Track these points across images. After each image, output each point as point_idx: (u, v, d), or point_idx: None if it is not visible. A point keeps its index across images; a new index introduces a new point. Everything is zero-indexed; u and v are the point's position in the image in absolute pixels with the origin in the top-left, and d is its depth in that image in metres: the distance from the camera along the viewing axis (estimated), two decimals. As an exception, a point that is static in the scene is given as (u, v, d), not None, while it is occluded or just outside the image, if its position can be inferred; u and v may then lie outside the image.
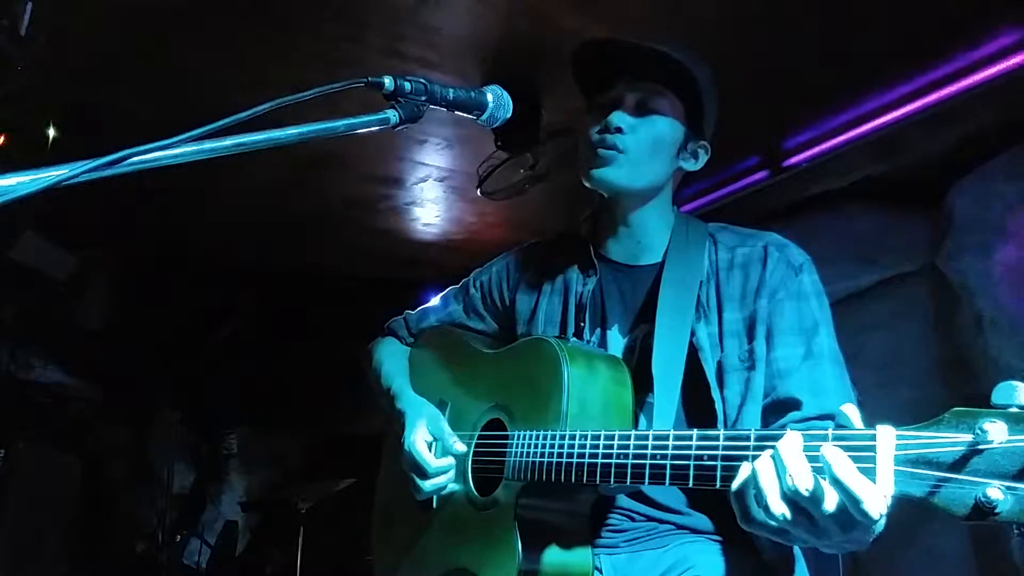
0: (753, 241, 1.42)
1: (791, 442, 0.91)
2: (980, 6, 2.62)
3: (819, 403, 1.22)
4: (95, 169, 0.80)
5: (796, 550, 1.31)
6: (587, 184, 1.46)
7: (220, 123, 0.88)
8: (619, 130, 1.40)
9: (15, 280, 4.78)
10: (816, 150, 3.45)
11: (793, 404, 1.24)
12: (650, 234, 1.49)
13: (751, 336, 1.32)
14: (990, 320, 3.00)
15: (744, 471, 0.95)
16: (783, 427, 1.21)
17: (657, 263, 1.46)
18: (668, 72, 1.40)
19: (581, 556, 1.31)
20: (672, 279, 1.40)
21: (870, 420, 0.93)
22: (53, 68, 3.03)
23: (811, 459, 0.89)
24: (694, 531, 1.35)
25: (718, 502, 1.34)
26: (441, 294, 1.80)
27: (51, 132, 3.13)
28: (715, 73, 1.47)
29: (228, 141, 0.89)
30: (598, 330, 1.47)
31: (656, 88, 1.42)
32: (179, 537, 6.27)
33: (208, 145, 0.88)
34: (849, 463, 0.86)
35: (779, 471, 0.90)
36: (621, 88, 1.43)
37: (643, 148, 1.41)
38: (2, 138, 3.16)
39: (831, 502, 0.87)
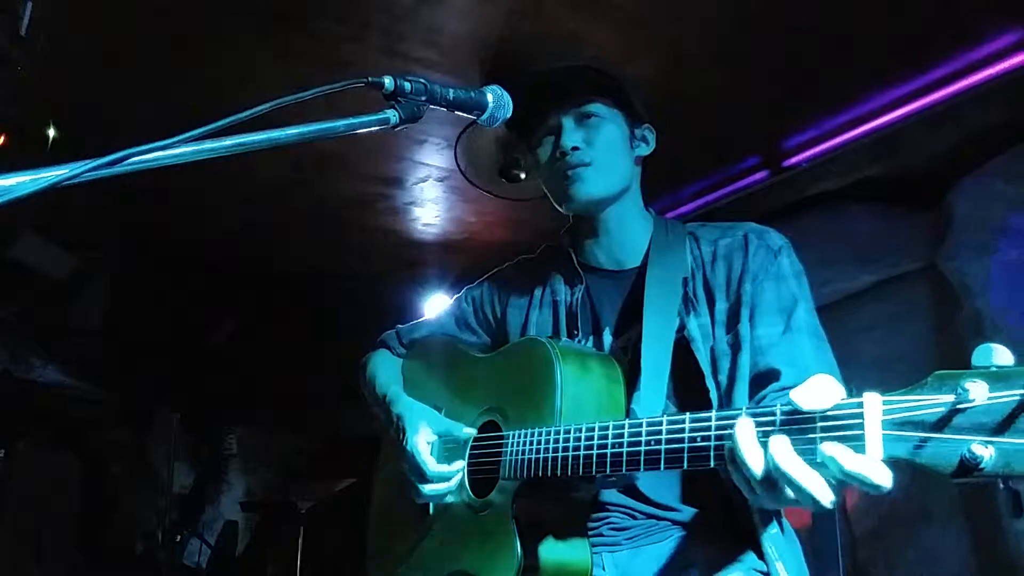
0: (733, 232, 1.46)
1: (745, 425, 0.95)
2: (980, 6, 2.63)
3: (797, 373, 1.24)
4: (95, 169, 0.80)
5: (799, 549, 1.32)
6: (569, 210, 1.53)
7: (220, 123, 0.87)
8: (575, 148, 1.46)
9: (15, 280, 4.78)
10: (816, 150, 3.45)
11: (773, 375, 1.27)
12: (630, 236, 1.53)
13: (737, 320, 1.35)
14: (990, 320, 3.00)
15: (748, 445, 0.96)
16: (764, 398, 1.25)
17: (641, 266, 1.50)
18: (583, 83, 1.49)
19: (580, 552, 1.32)
20: (656, 278, 1.44)
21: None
22: (53, 68, 3.04)
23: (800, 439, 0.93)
24: (692, 526, 1.36)
25: (712, 497, 1.35)
26: (433, 310, 1.83)
27: (51, 132, 3.12)
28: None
29: (228, 141, 0.89)
30: (591, 336, 1.49)
31: (581, 100, 1.49)
32: (179, 537, 6.27)
33: (208, 145, 0.88)
34: (848, 454, 0.87)
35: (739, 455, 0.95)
36: (554, 116, 1.50)
37: (604, 153, 1.47)
38: (2, 138, 3.16)
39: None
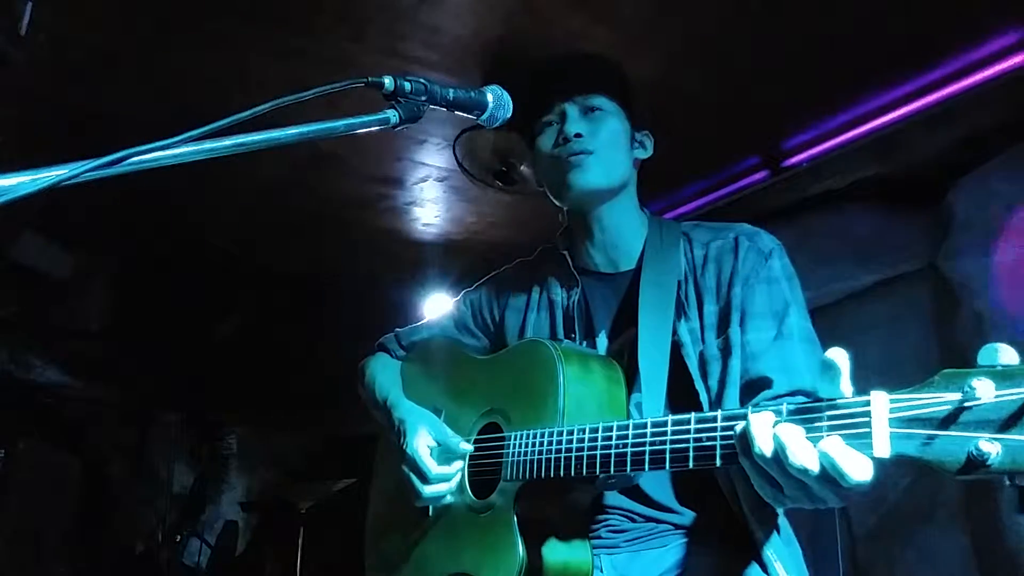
0: (725, 233, 1.46)
1: (762, 419, 0.96)
2: (980, 6, 2.62)
3: (789, 380, 1.24)
4: (95, 169, 0.80)
5: (798, 550, 1.32)
6: (565, 200, 1.52)
7: (220, 123, 0.88)
8: (579, 135, 1.45)
9: (15, 280, 4.78)
10: (816, 150, 3.45)
11: (764, 383, 1.26)
12: (625, 237, 1.52)
13: (727, 324, 1.34)
14: (990, 320, 3.00)
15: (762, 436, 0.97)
16: (756, 406, 1.23)
17: (635, 268, 1.50)
18: (590, 76, 1.51)
19: (581, 553, 1.32)
20: (651, 281, 1.43)
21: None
22: (53, 68, 3.03)
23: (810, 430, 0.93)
24: (691, 532, 1.36)
25: (712, 500, 1.35)
26: (433, 312, 1.84)
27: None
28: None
29: (228, 141, 0.89)
30: (587, 339, 1.50)
31: (588, 92, 1.50)
32: (179, 537, 6.28)
33: (208, 145, 0.88)
34: (840, 444, 0.88)
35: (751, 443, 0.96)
36: (559, 105, 1.50)
37: (607, 144, 1.47)
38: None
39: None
